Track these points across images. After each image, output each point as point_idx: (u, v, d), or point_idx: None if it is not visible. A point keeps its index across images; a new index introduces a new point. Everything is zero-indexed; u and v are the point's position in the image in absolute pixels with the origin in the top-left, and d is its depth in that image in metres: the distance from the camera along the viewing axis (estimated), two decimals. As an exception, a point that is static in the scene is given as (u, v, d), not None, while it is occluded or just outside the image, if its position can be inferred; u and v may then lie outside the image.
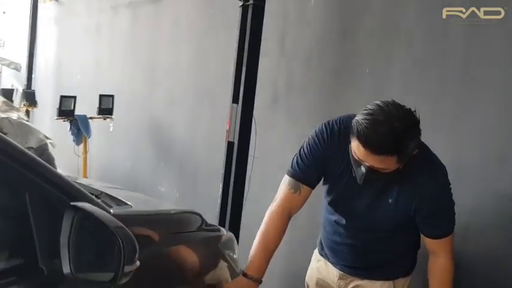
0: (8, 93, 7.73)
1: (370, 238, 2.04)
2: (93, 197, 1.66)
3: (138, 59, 5.84)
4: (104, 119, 5.60)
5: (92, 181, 3.51)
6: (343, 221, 2.05)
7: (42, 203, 1.42)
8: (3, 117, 5.30)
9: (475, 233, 2.44)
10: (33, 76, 8.79)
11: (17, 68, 9.63)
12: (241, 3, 3.37)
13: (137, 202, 2.19)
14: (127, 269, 1.30)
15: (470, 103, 2.49)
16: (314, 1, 3.44)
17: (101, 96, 5.50)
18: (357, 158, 1.73)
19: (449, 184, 1.89)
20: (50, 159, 5.68)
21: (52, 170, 1.46)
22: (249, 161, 3.52)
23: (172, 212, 2.24)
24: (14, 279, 1.38)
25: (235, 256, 2.39)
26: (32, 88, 8.73)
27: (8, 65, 9.75)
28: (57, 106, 5.23)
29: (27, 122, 5.59)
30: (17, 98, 8.61)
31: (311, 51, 3.45)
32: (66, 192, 1.45)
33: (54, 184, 1.43)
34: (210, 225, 2.33)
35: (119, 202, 2.02)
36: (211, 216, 3.51)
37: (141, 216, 1.89)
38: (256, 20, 3.32)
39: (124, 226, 1.37)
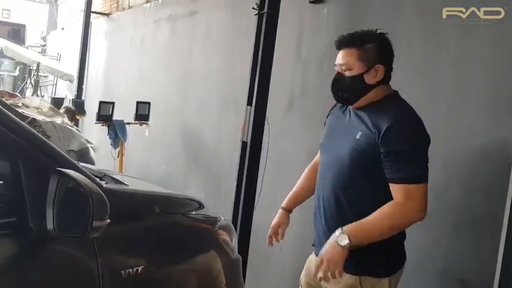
0: (58, 102, 8.25)
1: (338, 185, 2.04)
2: (85, 170, 1.86)
3: (174, 68, 6.15)
4: (140, 125, 5.91)
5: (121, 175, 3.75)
6: (321, 171, 2.20)
7: (34, 169, 1.64)
8: (47, 121, 5.69)
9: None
10: (83, 87, 9.29)
11: (70, 80, 10.25)
12: (256, 12, 3.57)
13: (139, 185, 2.40)
14: (96, 224, 1.50)
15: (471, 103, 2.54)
16: (327, 10, 3.60)
17: (138, 103, 5.82)
18: (335, 69, 2.10)
19: (417, 131, 1.93)
20: (90, 162, 6.04)
21: (43, 140, 1.67)
22: (263, 162, 3.68)
23: (168, 195, 2.42)
24: (7, 232, 1.61)
25: (231, 242, 2.53)
26: (82, 98, 9.26)
27: (62, 77, 10.39)
28: (97, 111, 5.56)
29: (70, 127, 5.97)
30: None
31: (324, 56, 3.59)
32: (55, 159, 1.66)
33: (44, 152, 1.65)
34: (208, 214, 2.49)
35: (119, 183, 2.24)
36: (229, 216, 3.68)
37: (129, 193, 2.08)
38: (270, 27, 3.52)
39: (100, 191, 1.57)
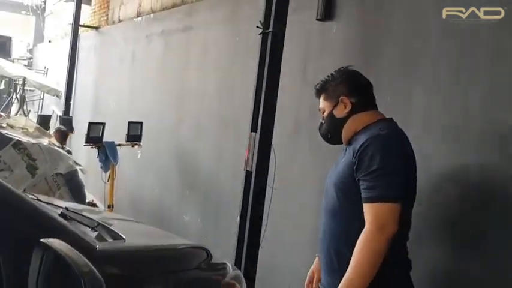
0: (45, 119, 7.93)
1: (329, 213, 2.09)
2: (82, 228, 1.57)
3: (168, 86, 5.86)
4: (132, 146, 5.61)
5: (113, 214, 3.45)
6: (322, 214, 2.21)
7: (11, 237, 1.34)
8: (33, 143, 5.37)
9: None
10: (71, 103, 8.98)
11: (57, 95, 9.91)
12: (260, 31, 3.30)
13: (135, 235, 2.11)
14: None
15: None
16: (336, 27, 3.34)
17: (129, 123, 5.52)
18: None
19: (388, 149, 1.91)
20: (79, 185, 5.72)
21: (22, 199, 1.37)
22: (268, 193, 3.40)
23: (171, 247, 2.13)
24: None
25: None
26: (70, 114, 8.93)
27: (48, 92, 10.05)
28: (86, 132, 5.25)
29: (57, 148, 5.65)
30: (56, 123, 8.83)
31: (333, 79, 3.33)
32: (39, 224, 1.37)
33: (24, 215, 1.35)
34: (215, 262, 2.21)
35: (114, 234, 1.93)
36: (231, 249, 3.40)
37: (129, 253, 1.78)
38: (275, 47, 3.25)
39: (92, 269, 1.27)
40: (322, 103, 2.21)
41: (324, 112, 2.20)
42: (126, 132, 5.50)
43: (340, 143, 2.17)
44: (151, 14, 6.60)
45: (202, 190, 4.92)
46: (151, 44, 6.49)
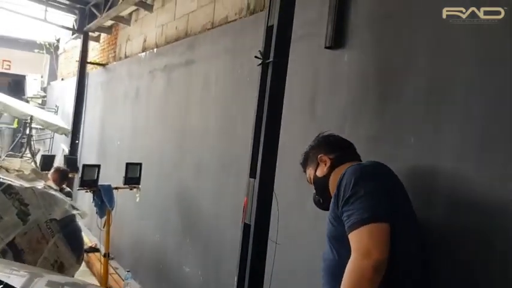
0: (49, 160, 7.57)
1: (325, 263, 1.98)
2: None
3: (170, 123, 5.46)
4: (131, 189, 5.17)
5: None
6: None
7: None
8: (26, 187, 5.00)
9: None
10: (77, 142, 8.66)
11: (65, 133, 9.61)
12: (260, 62, 2.86)
13: None
14: None
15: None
16: (348, 57, 2.89)
17: (127, 164, 5.11)
18: None
19: (358, 175, 1.82)
20: (75, 232, 5.30)
21: None
22: (272, 246, 2.90)
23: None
24: None
25: None
26: (77, 154, 8.61)
27: (57, 131, 9.75)
28: (79, 175, 4.85)
29: (53, 192, 5.25)
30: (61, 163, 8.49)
31: (345, 116, 2.86)
32: None
33: None
34: None
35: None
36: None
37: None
38: (277, 79, 2.79)
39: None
40: (307, 171, 2.36)
41: (310, 182, 2.32)
42: (123, 174, 5.08)
43: (323, 208, 2.23)
44: (155, 49, 6.27)
45: (203, 239, 4.43)
46: (154, 79, 6.13)
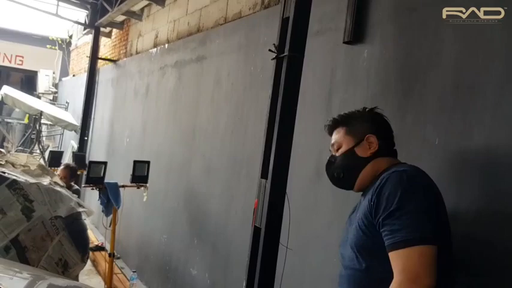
0: (57, 156, 7.47)
1: (348, 272, 1.77)
2: None
3: (180, 121, 5.32)
4: (138, 188, 5.03)
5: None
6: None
7: None
8: (31, 183, 4.89)
9: None
10: (86, 138, 8.56)
11: (75, 130, 9.53)
12: (274, 56, 2.70)
13: None
14: None
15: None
16: (368, 52, 2.72)
17: (135, 162, 4.97)
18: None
19: (409, 185, 1.59)
20: (81, 230, 5.17)
21: None
22: (282, 251, 2.74)
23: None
24: None
25: None
26: (86, 150, 8.52)
27: (66, 127, 9.67)
28: (86, 173, 4.73)
29: (59, 189, 5.14)
30: (70, 160, 8.41)
31: (363, 114, 2.69)
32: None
33: None
34: None
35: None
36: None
37: None
38: (292, 74, 2.63)
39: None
40: (341, 137, 1.93)
41: (338, 148, 1.93)
42: (131, 172, 4.95)
43: (350, 188, 1.92)
44: (166, 45, 6.14)
45: (211, 240, 4.28)
46: (165, 76, 6.00)
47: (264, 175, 2.70)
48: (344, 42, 2.84)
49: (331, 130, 2.00)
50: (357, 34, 2.78)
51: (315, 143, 3.02)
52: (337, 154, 1.92)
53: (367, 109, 1.97)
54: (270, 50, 2.70)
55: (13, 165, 5.48)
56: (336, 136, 1.95)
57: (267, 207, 2.64)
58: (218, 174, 4.29)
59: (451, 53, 2.21)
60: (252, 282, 2.70)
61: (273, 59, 2.70)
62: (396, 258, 1.55)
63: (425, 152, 2.25)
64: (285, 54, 2.65)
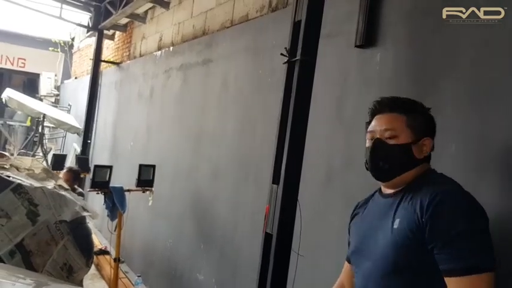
0: (60, 159, 7.43)
1: (384, 277, 1.58)
2: None
3: (185, 125, 5.28)
4: (143, 192, 4.99)
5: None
6: (357, 272, 1.75)
7: None
8: (36, 187, 4.85)
9: None
10: (89, 141, 8.53)
11: (77, 133, 9.50)
12: (286, 60, 2.67)
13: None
14: None
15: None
16: (380, 58, 2.69)
17: (141, 166, 4.94)
18: (368, 137, 1.73)
19: (471, 205, 1.47)
20: (86, 234, 5.14)
21: None
22: (293, 258, 2.70)
23: None
24: None
25: None
26: (89, 153, 8.49)
27: (69, 130, 9.64)
28: (91, 176, 4.69)
29: (64, 193, 5.10)
30: (72, 163, 8.37)
31: (376, 118, 2.66)
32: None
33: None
34: None
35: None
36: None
37: None
38: (304, 79, 2.60)
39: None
40: (401, 127, 1.67)
41: (392, 137, 1.67)
42: (136, 176, 4.91)
43: (385, 180, 1.72)
44: (171, 47, 6.11)
45: (218, 245, 4.24)
46: (170, 79, 5.97)
47: (275, 181, 2.66)
48: (356, 46, 2.81)
49: (384, 110, 1.72)
50: (369, 38, 2.75)
51: (326, 147, 2.99)
52: (390, 142, 1.67)
53: (428, 108, 1.75)
54: (281, 54, 2.67)
55: (17, 169, 5.44)
56: (393, 122, 1.68)
57: (278, 214, 2.60)
58: (225, 178, 4.26)
59: (467, 59, 2.18)
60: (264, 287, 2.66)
61: (285, 63, 2.67)
62: (461, 282, 1.42)
63: (441, 159, 2.21)
64: (297, 58, 2.61)
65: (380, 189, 1.79)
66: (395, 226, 1.57)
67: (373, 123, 1.74)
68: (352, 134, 2.82)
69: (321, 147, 2.97)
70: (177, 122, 5.53)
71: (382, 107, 1.73)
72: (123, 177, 5.77)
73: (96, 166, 4.77)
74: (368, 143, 1.73)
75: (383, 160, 1.68)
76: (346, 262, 1.97)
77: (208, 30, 5.15)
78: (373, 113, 1.76)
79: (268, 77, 3.73)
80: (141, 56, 7.48)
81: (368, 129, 1.75)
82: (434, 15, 2.38)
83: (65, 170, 5.89)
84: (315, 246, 2.88)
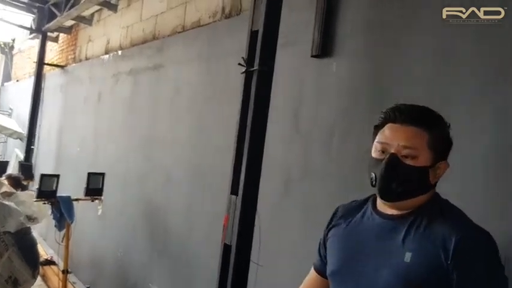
0: (2, 166, 7.12)
1: None
2: None
3: (136, 132, 5.17)
4: (92, 201, 4.84)
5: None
6: None
7: None
8: (-22, 198, 4.64)
9: None
10: (33, 147, 8.21)
11: (20, 138, 9.11)
12: (243, 70, 2.65)
13: None
14: None
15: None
16: (336, 67, 2.71)
17: (89, 174, 4.78)
18: (378, 148, 1.45)
19: (496, 257, 1.32)
20: (31, 244, 4.95)
21: None
22: (252, 269, 2.69)
23: None
24: None
25: None
26: (32, 160, 8.17)
27: (11, 135, 9.23)
28: (37, 186, 4.51)
29: (7, 203, 4.88)
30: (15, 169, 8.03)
31: (333, 128, 2.68)
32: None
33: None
34: None
35: None
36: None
37: None
38: (262, 90, 2.59)
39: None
40: (422, 147, 1.41)
41: (411, 156, 1.40)
42: (85, 184, 4.75)
43: (392, 201, 1.44)
44: (119, 51, 5.96)
45: (173, 255, 4.17)
46: (118, 83, 5.82)
47: (234, 191, 2.64)
48: (312, 56, 2.82)
49: (406, 121, 1.44)
50: (325, 48, 2.77)
51: (284, 158, 2.99)
52: (407, 162, 1.42)
53: (448, 124, 1.49)
54: (239, 64, 2.65)
55: (-44, 178, 5.19)
56: (414, 139, 1.43)
57: (237, 225, 2.58)
58: (179, 187, 4.19)
59: (422, 68, 2.23)
60: (223, 303, 2.64)
61: (243, 72, 2.65)
62: None
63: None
64: (254, 68, 2.60)
65: (374, 204, 1.54)
66: (406, 260, 1.37)
67: (387, 133, 1.45)
68: (309, 144, 2.83)
69: (279, 158, 2.97)
70: (128, 128, 5.40)
71: (403, 116, 1.44)
72: (70, 186, 5.57)
73: (42, 175, 4.59)
74: (377, 155, 1.46)
75: (397, 182, 1.43)
76: (313, 272, 1.73)
77: (159, 35, 5.06)
78: (388, 120, 1.48)
79: (223, 84, 3.71)
80: (87, 59, 7.28)
81: (380, 140, 1.47)
82: (390, 26, 2.42)
83: (2, 178, 5.64)
84: (274, 256, 2.87)
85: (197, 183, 3.92)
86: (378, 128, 1.50)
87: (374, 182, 1.44)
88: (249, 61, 2.64)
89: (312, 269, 1.72)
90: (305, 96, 2.91)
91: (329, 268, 1.57)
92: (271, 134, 2.71)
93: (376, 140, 1.47)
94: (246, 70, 2.64)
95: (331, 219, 1.67)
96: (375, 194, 1.51)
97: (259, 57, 2.58)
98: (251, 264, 2.67)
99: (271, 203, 2.96)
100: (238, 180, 2.62)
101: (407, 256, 1.36)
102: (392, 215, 1.46)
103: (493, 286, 1.30)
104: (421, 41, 2.26)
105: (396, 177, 1.41)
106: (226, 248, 2.66)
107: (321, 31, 2.80)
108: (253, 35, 2.67)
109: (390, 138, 1.43)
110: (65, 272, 4.78)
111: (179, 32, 4.61)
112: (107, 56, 6.36)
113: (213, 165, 3.69)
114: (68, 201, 4.63)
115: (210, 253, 3.31)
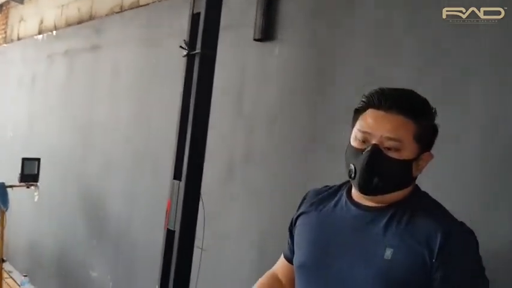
0: None
1: None
2: None
3: (74, 115, 5.00)
4: (28, 187, 4.65)
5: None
6: None
7: None
8: None
9: None
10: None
11: None
12: (185, 53, 2.61)
13: None
14: None
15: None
16: (279, 50, 2.72)
17: (24, 159, 4.58)
18: (359, 137, 1.32)
19: (480, 258, 1.29)
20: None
21: None
22: (197, 253, 2.68)
23: None
24: None
25: None
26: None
27: None
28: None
29: None
30: None
31: (275, 114, 2.69)
32: None
33: None
34: None
35: None
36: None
37: None
38: (204, 73, 2.56)
39: None
40: (407, 140, 1.29)
41: (394, 149, 1.29)
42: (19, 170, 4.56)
43: (372, 195, 1.33)
44: (54, 31, 5.72)
45: (113, 241, 4.09)
46: (54, 65, 5.60)
47: (177, 176, 2.61)
48: (255, 40, 2.81)
49: (391, 107, 1.30)
50: (267, 31, 2.75)
51: (227, 142, 2.98)
52: (389, 154, 1.30)
53: (434, 110, 1.36)
54: (180, 47, 2.61)
55: None
56: (399, 131, 1.30)
57: (181, 210, 2.56)
58: (119, 171, 4.11)
59: (365, 51, 2.27)
60: (167, 284, 2.62)
61: (184, 56, 2.61)
62: None
63: (337, 147, 2.28)
64: (196, 51, 2.56)
65: (349, 193, 1.43)
66: (387, 257, 1.28)
67: (370, 121, 1.32)
68: (252, 128, 2.84)
69: (221, 142, 2.96)
70: (64, 111, 5.21)
71: (388, 103, 1.30)
72: (3, 172, 5.33)
73: (-27, 161, 4.37)
74: (358, 144, 1.34)
75: (379, 176, 1.31)
76: (283, 259, 1.63)
77: (96, 15, 4.88)
78: (370, 105, 1.34)
79: (164, 66, 3.63)
80: (19, 39, 6.94)
81: (361, 128, 1.33)
82: (334, 12, 2.44)
83: None
84: (218, 240, 2.88)
85: (138, 168, 3.85)
86: (358, 112, 1.37)
87: (353, 175, 1.33)
88: (190, 44, 2.60)
89: (282, 256, 1.64)
90: (248, 80, 2.90)
91: (296, 260, 1.47)
92: (214, 117, 2.69)
93: (356, 127, 1.35)
94: (187, 53, 2.60)
95: (300, 205, 1.56)
96: (349, 181, 1.41)
97: (201, 41, 2.54)
98: (195, 249, 2.66)
99: (216, 188, 2.95)
100: (181, 165, 2.59)
101: (388, 253, 1.27)
102: (370, 207, 1.36)
103: (478, 284, 1.27)
104: (365, 20, 2.29)
105: (378, 171, 1.30)
106: (169, 234, 2.63)
107: (263, 14, 2.78)
108: (194, 17, 2.62)
109: (373, 127, 1.30)
110: (0, 260, 4.60)
111: (117, 12, 4.47)
112: (41, 36, 6.09)
113: (155, 149, 3.63)
114: (2, 188, 4.44)
115: (152, 239, 3.27)
